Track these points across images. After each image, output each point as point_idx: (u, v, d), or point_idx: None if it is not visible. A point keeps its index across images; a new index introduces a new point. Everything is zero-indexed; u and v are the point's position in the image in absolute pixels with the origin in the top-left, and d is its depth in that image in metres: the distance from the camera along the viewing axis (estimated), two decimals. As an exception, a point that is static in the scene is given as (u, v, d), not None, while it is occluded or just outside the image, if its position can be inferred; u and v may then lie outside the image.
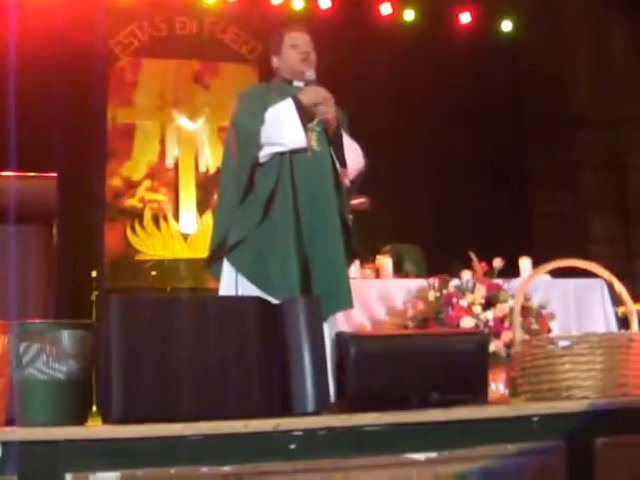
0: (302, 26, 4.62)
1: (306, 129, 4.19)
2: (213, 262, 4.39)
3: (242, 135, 4.28)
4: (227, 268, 4.28)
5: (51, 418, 2.82)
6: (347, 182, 4.39)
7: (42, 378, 2.85)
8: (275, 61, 4.54)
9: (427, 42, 9.75)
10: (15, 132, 7.52)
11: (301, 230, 4.17)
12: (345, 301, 4.24)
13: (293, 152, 4.22)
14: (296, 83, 4.43)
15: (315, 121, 4.26)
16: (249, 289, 4.16)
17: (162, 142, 9.70)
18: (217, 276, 4.36)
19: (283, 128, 4.17)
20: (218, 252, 4.34)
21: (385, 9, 10.10)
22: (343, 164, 4.32)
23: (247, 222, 4.21)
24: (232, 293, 4.17)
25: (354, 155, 4.40)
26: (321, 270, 4.15)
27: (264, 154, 4.20)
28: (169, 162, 9.68)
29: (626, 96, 9.84)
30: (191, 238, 9.57)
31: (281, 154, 4.22)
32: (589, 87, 10.01)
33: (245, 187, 4.20)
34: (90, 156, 9.02)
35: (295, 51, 4.42)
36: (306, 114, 4.21)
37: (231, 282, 4.22)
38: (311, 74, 4.33)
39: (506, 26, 10.54)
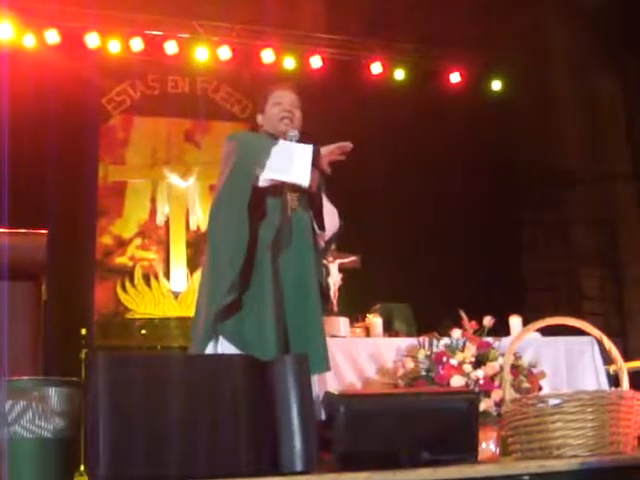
0: (288, 84, 4.61)
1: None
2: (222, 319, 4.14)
3: (246, 146, 4.29)
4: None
5: (36, 477, 2.79)
6: (322, 243, 4.39)
7: (28, 436, 2.82)
8: (259, 118, 4.54)
9: (417, 101, 9.82)
10: (6, 188, 7.53)
11: (281, 291, 4.13)
12: (321, 366, 4.15)
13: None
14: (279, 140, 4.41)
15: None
16: (228, 347, 4.05)
17: (153, 200, 9.72)
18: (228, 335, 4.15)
19: (293, 161, 4.09)
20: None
21: (376, 68, 10.19)
22: (322, 227, 4.32)
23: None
24: (211, 351, 4.07)
25: (331, 217, 4.39)
26: (298, 333, 4.09)
27: (264, 177, 4.10)
28: (160, 220, 9.69)
29: (614, 152, 9.91)
30: (182, 296, 9.55)
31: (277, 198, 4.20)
32: (579, 144, 10.08)
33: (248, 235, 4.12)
34: (81, 213, 9.02)
35: (277, 109, 4.41)
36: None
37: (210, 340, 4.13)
38: (295, 134, 4.31)
39: (496, 85, 10.63)
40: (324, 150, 4.15)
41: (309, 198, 4.29)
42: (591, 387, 5.89)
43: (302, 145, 4.15)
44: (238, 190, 4.16)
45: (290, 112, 4.40)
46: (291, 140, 4.28)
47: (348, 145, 4.20)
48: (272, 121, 4.43)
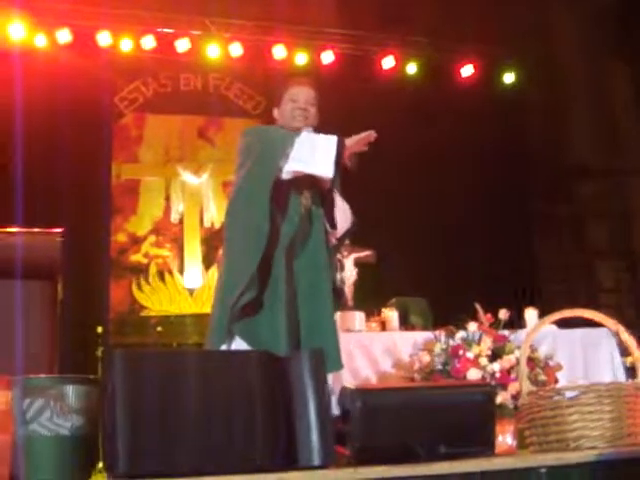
0: (305, 80, 4.60)
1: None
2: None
3: (269, 138, 4.28)
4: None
5: (54, 475, 2.79)
6: (334, 241, 4.37)
7: (46, 434, 2.83)
8: (275, 113, 4.55)
9: (430, 95, 9.80)
10: (21, 188, 7.55)
11: (294, 290, 4.11)
12: (335, 365, 4.14)
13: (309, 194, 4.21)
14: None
15: None
16: (241, 345, 4.03)
17: (167, 198, 9.73)
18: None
19: (316, 152, 4.07)
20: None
21: (387, 63, 10.18)
22: (333, 225, 4.30)
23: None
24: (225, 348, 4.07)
25: (343, 215, 4.37)
26: (311, 332, 4.06)
27: (288, 169, 4.09)
28: (174, 217, 9.70)
29: (628, 145, 9.88)
30: (197, 293, 9.56)
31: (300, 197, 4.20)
32: (592, 136, 10.05)
33: (269, 231, 4.10)
34: (95, 212, 9.04)
35: (293, 106, 4.41)
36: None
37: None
38: (309, 131, 4.33)
39: (508, 78, 10.61)
40: (349, 141, 4.11)
41: (321, 196, 4.27)
42: (608, 379, 5.88)
43: (326, 136, 4.13)
44: (261, 182, 4.13)
45: (305, 110, 4.39)
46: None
47: (372, 134, 4.15)
48: (286, 117, 4.43)
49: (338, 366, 4.18)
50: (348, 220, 4.42)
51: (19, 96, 8.03)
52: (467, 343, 5.42)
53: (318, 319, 4.11)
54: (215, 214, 9.69)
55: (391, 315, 6.36)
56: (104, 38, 9.17)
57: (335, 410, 3.40)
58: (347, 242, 5.24)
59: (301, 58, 9.91)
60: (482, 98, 9.94)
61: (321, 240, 4.26)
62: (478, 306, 5.72)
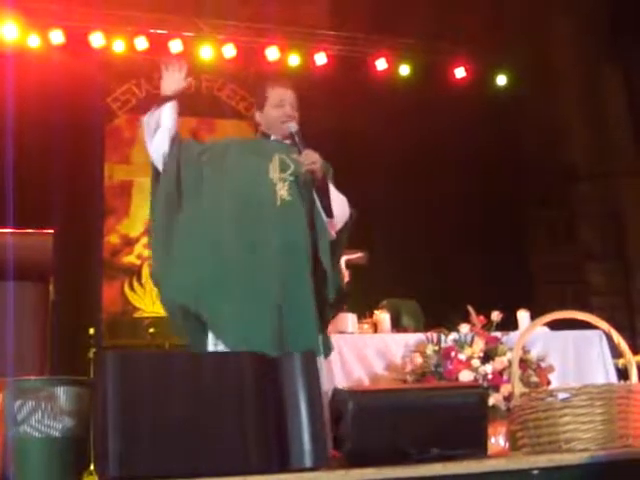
0: (288, 82, 4.53)
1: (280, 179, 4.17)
2: None
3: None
4: None
5: (45, 477, 2.78)
6: (333, 233, 4.31)
7: (36, 436, 2.82)
8: (257, 115, 4.46)
9: (422, 96, 9.81)
10: (12, 188, 7.54)
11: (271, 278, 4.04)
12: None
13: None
14: (273, 137, 4.36)
15: (289, 171, 4.21)
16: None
17: (160, 199, 9.71)
18: None
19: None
20: None
21: (381, 64, 10.20)
22: (329, 214, 4.24)
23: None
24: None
25: (340, 206, 4.28)
26: (291, 323, 3.96)
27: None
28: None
29: (620, 146, 9.90)
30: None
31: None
32: (583, 139, 10.07)
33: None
34: (87, 213, 9.04)
35: (279, 112, 4.34)
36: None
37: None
38: (293, 126, 4.27)
39: (501, 80, 10.63)
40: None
41: (315, 186, 4.21)
42: (600, 381, 5.88)
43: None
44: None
45: (292, 117, 4.36)
46: (291, 133, 4.26)
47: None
48: (274, 123, 4.37)
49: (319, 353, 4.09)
50: (346, 212, 4.34)
51: (11, 97, 8.02)
52: (459, 345, 5.43)
53: (298, 305, 4.04)
54: (207, 215, 9.67)
55: (383, 317, 6.36)
56: (97, 39, 9.17)
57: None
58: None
59: (294, 60, 9.93)
60: (475, 100, 9.94)
61: (297, 229, 4.19)
62: (470, 308, 5.72)
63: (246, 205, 4.13)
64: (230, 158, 4.25)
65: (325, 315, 4.21)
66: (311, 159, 4.10)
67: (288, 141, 4.34)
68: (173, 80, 4.25)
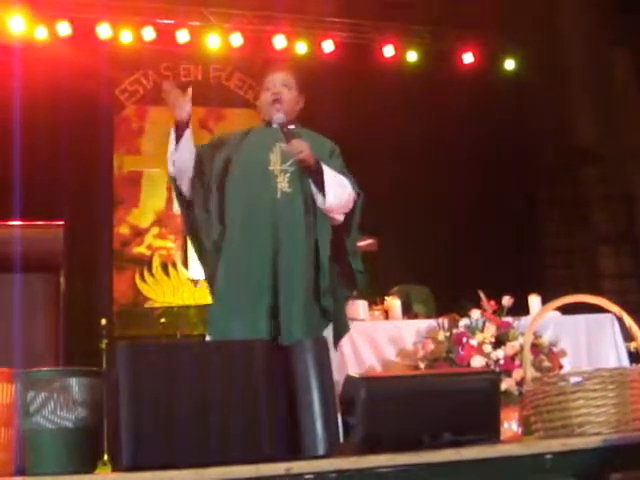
0: (279, 65, 4.59)
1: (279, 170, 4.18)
2: None
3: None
4: None
5: (59, 468, 2.78)
6: (337, 218, 4.27)
7: (49, 427, 2.82)
8: (258, 104, 4.53)
9: (430, 82, 9.80)
10: (22, 181, 7.56)
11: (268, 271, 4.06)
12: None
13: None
14: (275, 125, 4.31)
15: (289, 162, 4.19)
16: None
17: (169, 189, 9.71)
18: None
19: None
20: None
21: (388, 51, 10.17)
22: (326, 199, 4.17)
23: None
24: None
25: (340, 189, 4.18)
26: (286, 311, 3.99)
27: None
28: (176, 208, 9.68)
29: (630, 129, 9.86)
30: (200, 284, 9.56)
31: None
32: (593, 121, 10.03)
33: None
34: (97, 204, 9.05)
35: (267, 93, 4.37)
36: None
37: None
38: (279, 117, 4.24)
39: (509, 64, 10.60)
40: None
41: (308, 173, 4.17)
42: (612, 364, 5.88)
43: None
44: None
45: (278, 93, 4.34)
46: (276, 124, 4.25)
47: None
48: (265, 107, 4.40)
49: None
50: (349, 193, 4.22)
51: (19, 89, 8.04)
52: (471, 330, 5.42)
53: (294, 296, 4.04)
54: (217, 205, 9.68)
55: (394, 303, 6.37)
56: (104, 30, 9.17)
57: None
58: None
59: (301, 47, 9.91)
60: (483, 85, 9.93)
61: (297, 220, 4.17)
62: (481, 293, 5.71)
63: (248, 205, 4.18)
64: (238, 158, 4.31)
65: (325, 301, 4.17)
66: (297, 149, 4.08)
67: (292, 126, 4.34)
68: (179, 107, 4.40)
